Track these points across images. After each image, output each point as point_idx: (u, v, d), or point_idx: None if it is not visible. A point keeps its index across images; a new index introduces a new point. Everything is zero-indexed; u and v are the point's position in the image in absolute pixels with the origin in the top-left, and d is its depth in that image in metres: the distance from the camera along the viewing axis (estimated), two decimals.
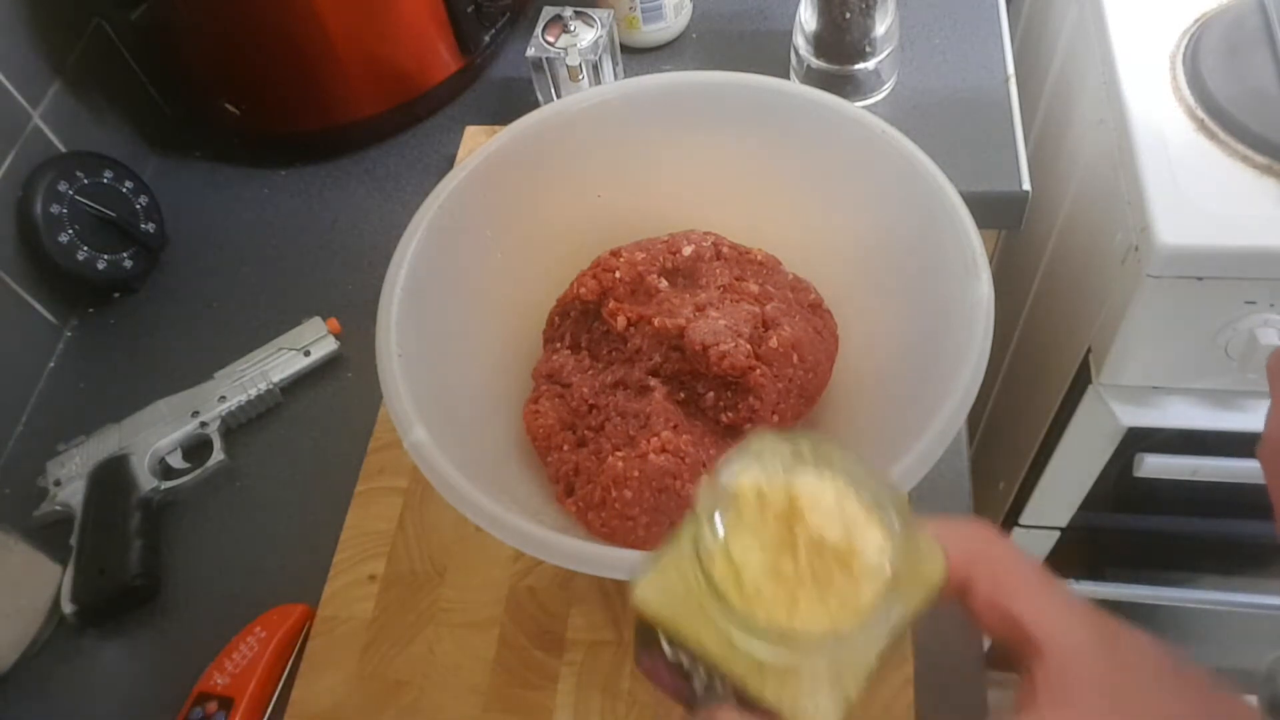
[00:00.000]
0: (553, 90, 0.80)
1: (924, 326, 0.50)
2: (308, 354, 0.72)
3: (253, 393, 0.70)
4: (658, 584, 0.25)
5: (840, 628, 0.24)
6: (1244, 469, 0.80)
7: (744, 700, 0.25)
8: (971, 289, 0.46)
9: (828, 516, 0.25)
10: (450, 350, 0.53)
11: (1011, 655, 0.27)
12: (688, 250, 0.57)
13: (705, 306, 0.54)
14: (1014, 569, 0.27)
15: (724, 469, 0.26)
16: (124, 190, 0.79)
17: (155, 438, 0.68)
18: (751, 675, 0.24)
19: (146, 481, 0.66)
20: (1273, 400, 0.38)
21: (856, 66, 0.76)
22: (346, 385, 0.72)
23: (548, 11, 0.79)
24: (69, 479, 0.67)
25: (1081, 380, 0.81)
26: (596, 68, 0.78)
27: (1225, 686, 0.26)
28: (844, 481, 0.26)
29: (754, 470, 0.26)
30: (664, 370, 0.53)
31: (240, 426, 0.71)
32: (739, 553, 0.25)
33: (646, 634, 0.27)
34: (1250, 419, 0.77)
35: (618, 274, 0.57)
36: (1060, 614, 0.26)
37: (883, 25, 0.75)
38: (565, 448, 0.54)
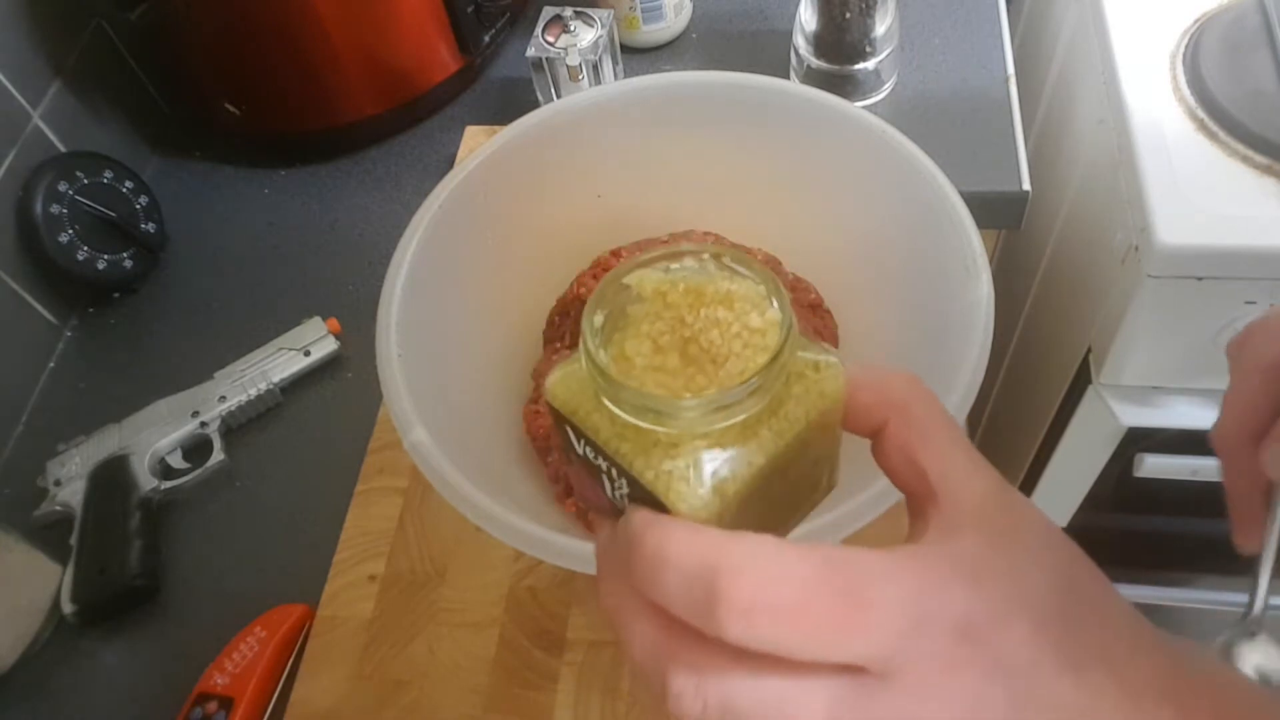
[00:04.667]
0: (553, 90, 0.79)
1: (924, 326, 0.50)
2: (308, 354, 0.72)
3: (253, 393, 0.70)
4: (567, 380, 0.28)
5: (707, 393, 0.25)
6: None
7: (638, 495, 0.26)
8: (971, 289, 0.46)
9: (718, 310, 0.27)
10: (450, 350, 0.53)
11: (910, 505, 0.28)
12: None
13: None
14: (931, 419, 0.27)
15: (627, 270, 0.28)
16: (124, 190, 0.79)
17: (155, 438, 0.68)
18: (637, 458, 0.25)
19: (146, 481, 0.66)
20: (1231, 383, 0.37)
21: (856, 66, 0.76)
22: (346, 385, 0.72)
23: (548, 11, 0.79)
24: (69, 479, 0.67)
25: (1081, 380, 0.81)
26: (596, 68, 0.78)
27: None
28: (741, 286, 0.27)
29: (655, 271, 0.28)
30: None
31: (240, 426, 0.71)
32: (631, 347, 0.27)
33: (562, 434, 0.29)
34: None
35: None
36: (964, 469, 0.26)
37: (883, 25, 0.75)
38: None
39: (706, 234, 0.59)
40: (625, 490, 0.27)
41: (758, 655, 0.22)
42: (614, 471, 0.27)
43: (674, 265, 0.28)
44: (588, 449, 0.27)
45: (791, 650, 0.22)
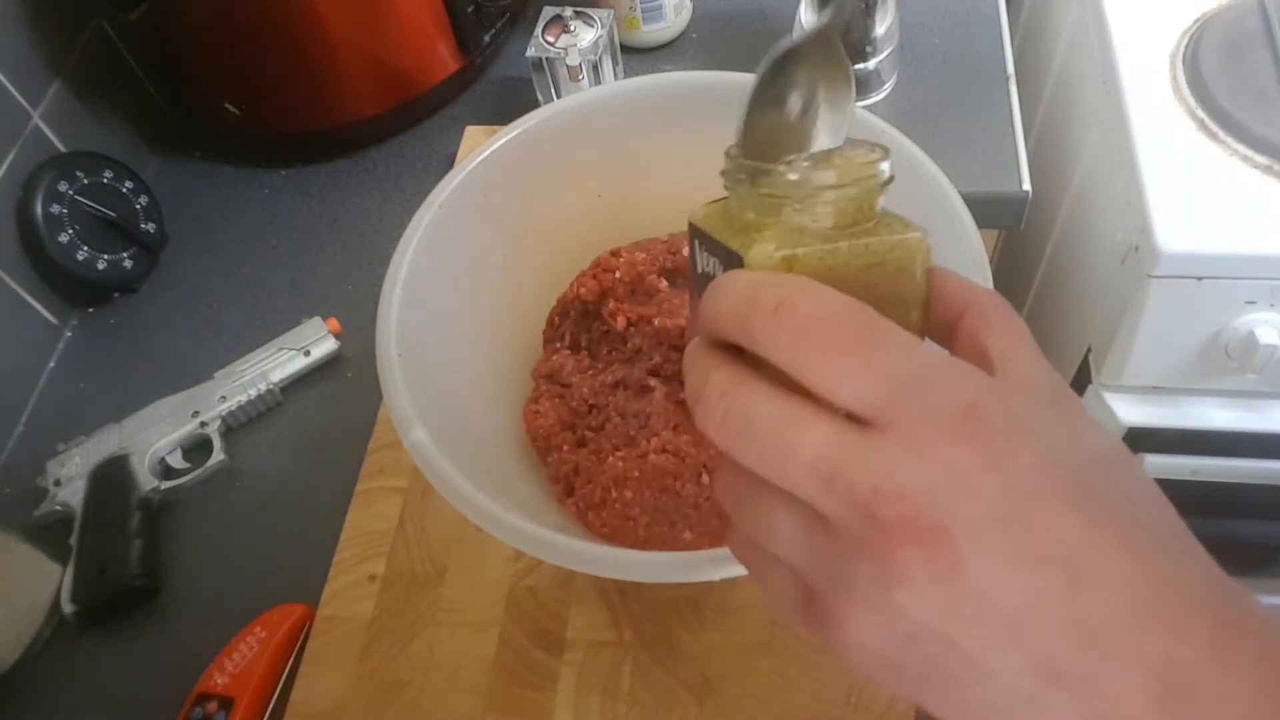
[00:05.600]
0: (553, 90, 0.79)
1: None
2: (308, 354, 0.72)
3: (253, 393, 0.70)
4: (706, 208, 0.34)
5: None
6: (1244, 469, 0.80)
7: None
8: None
9: (836, 159, 0.31)
10: (450, 350, 0.53)
11: None
12: (688, 250, 0.57)
13: None
14: (1003, 317, 0.28)
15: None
16: (124, 190, 0.79)
17: (155, 438, 0.68)
18: (734, 239, 0.30)
19: (146, 481, 0.66)
20: None
21: (856, 66, 0.76)
22: (346, 385, 0.72)
23: (548, 11, 0.79)
24: (69, 479, 0.67)
25: (1082, 380, 0.81)
26: (596, 68, 0.78)
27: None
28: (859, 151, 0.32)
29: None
30: (664, 370, 0.53)
31: (240, 426, 0.71)
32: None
33: (692, 257, 0.35)
34: (1252, 419, 0.77)
35: (618, 274, 0.56)
36: (1027, 358, 0.27)
37: (883, 25, 0.75)
38: (565, 448, 0.54)
39: None
40: None
41: (784, 380, 0.24)
42: (720, 269, 0.31)
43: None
44: (708, 258, 0.32)
45: (805, 368, 0.24)
